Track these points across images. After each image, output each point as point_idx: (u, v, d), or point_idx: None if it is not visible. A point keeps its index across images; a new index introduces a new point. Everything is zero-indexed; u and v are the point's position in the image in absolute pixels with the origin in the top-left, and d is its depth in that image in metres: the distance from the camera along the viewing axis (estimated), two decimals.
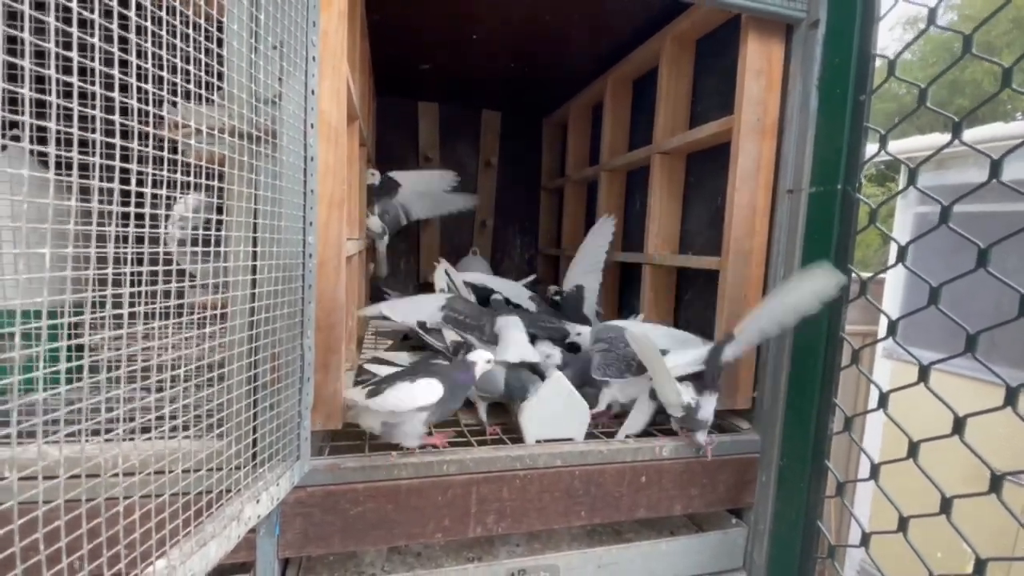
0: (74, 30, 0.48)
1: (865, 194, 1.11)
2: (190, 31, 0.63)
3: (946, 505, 0.90)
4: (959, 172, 2.66)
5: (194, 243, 0.76)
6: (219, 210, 0.79)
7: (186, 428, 0.69)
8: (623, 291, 2.25)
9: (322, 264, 1.03)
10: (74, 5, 0.49)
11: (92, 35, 0.50)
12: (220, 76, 0.73)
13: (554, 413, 1.24)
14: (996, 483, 0.83)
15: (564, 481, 1.18)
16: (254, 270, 0.83)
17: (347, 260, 1.23)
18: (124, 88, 0.54)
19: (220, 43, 0.74)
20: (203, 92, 0.67)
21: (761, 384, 1.34)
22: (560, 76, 2.34)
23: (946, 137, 0.94)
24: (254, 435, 0.86)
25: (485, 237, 2.99)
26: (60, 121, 0.48)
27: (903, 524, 0.97)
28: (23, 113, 0.44)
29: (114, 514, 0.58)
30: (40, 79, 0.46)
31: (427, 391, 1.05)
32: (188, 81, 0.63)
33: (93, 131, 0.50)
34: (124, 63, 0.54)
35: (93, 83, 0.50)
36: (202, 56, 0.66)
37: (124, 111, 0.55)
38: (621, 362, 1.31)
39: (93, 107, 0.50)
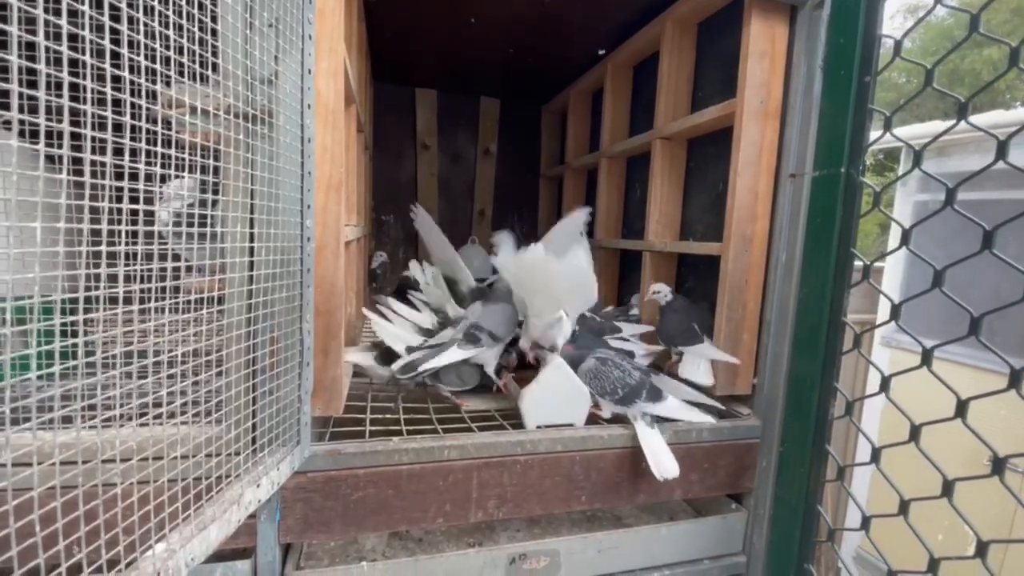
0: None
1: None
2: (183, 3, 0.61)
3: (948, 488, 0.90)
4: (960, 159, 2.65)
5: (188, 225, 0.74)
6: (215, 191, 0.77)
7: (184, 413, 0.68)
8: (623, 278, 2.24)
9: (320, 248, 1.02)
10: None
11: (83, 4, 0.49)
12: (215, 53, 0.72)
13: (555, 399, 1.24)
14: (999, 466, 0.83)
15: (564, 466, 1.18)
16: (251, 252, 0.82)
17: (346, 245, 1.21)
18: (116, 65, 0.53)
19: (215, 19, 0.72)
20: (198, 68, 0.66)
21: (761, 370, 1.34)
22: (559, 62, 2.31)
23: (946, 124, 0.93)
24: (253, 420, 0.85)
25: (484, 226, 2.97)
26: (52, 92, 0.46)
27: (904, 507, 0.97)
28: (11, 82, 0.43)
29: (111, 498, 0.57)
30: (30, 49, 0.45)
31: None
32: (183, 58, 0.62)
33: (85, 105, 0.49)
34: (117, 38, 0.52)
35: (85, 56, 0.48)
36: (196, 31, 0.64)
37: (117, 88, 0.53)
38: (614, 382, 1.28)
39: (85, 81, 0.48)
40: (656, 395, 1.26)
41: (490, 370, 1.40)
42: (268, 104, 0.83)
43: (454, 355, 1.28)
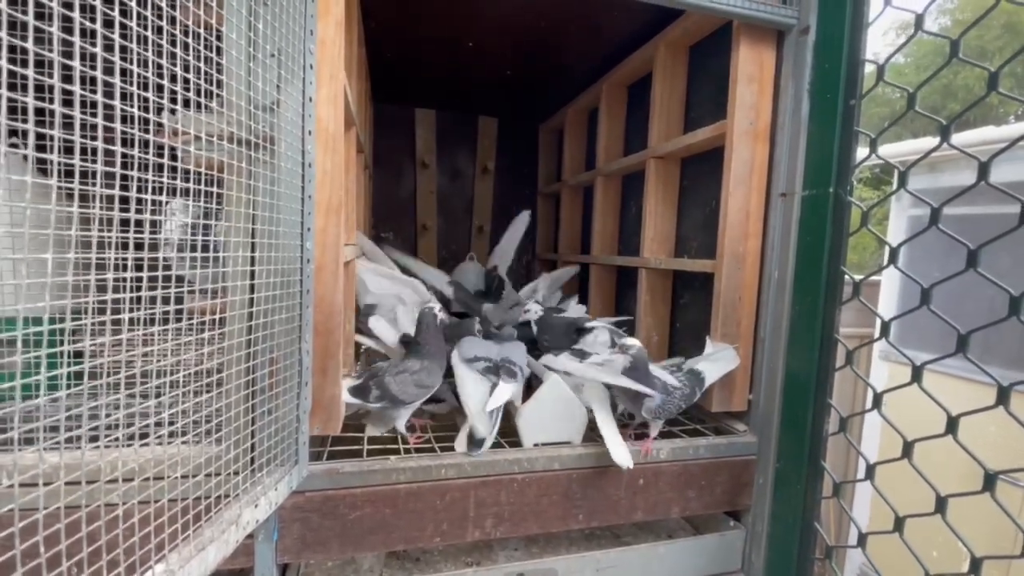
0: (76, 39, 0.49)
1: (860, 197, 1.12)
2: (189, 40, 0.64)
3: (941, 504, 0.91)
4: (952, 175, 2.68)
5: (192, 248, 0.76)
6: (216, 216, 0.79)
7: (184, 434, 0.69)
8: (620, 295, 2.26)
9: (320, 269, 1.04)
10: (76, 15, 0.50)
11: (93, 44, 0.51)
12: (219, 84, 0.74)
13: (552, 416, 1.25)
14: (990, 482, 0.84)
15: (562, 484, 1.19)
16: (252, 275, 0.84)
17: (345, 265, 1.23)
18: (124, 96, 0.55)
19: (219, 52, 0.75)
20: (202, 100, 0.68)
21: (757, 386, 1.35)
22: (556, 82, 2.36)
23: (937, 141, 0.95)
24: (252, 440, 0.86)
25: (482, 242, 3.00)
26: (60, 128, 0.49)
27: (899, 524, 0.98)
28: (24, 121, 0.45)
29: (113, 519, 0.58)
30: (40, 87, 0.47)
31: None
32: (187, 89, 0.64)
33: (93, 139, 0.51)
34: (124, 71, 0.55)
35: (93, 91, 0.51)
36: (201, 64, 0.67)
37: (124, 119, 0.56)
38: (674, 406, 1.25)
39: (93, 115, 0.51)
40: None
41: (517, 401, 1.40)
42: (270, 131, 0.85)
43: (506, 391, 1.22)
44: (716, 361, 1.33)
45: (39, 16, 0.47)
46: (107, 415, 0.58)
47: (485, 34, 1.84)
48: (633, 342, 1.22)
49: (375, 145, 2.67)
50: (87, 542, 0.54)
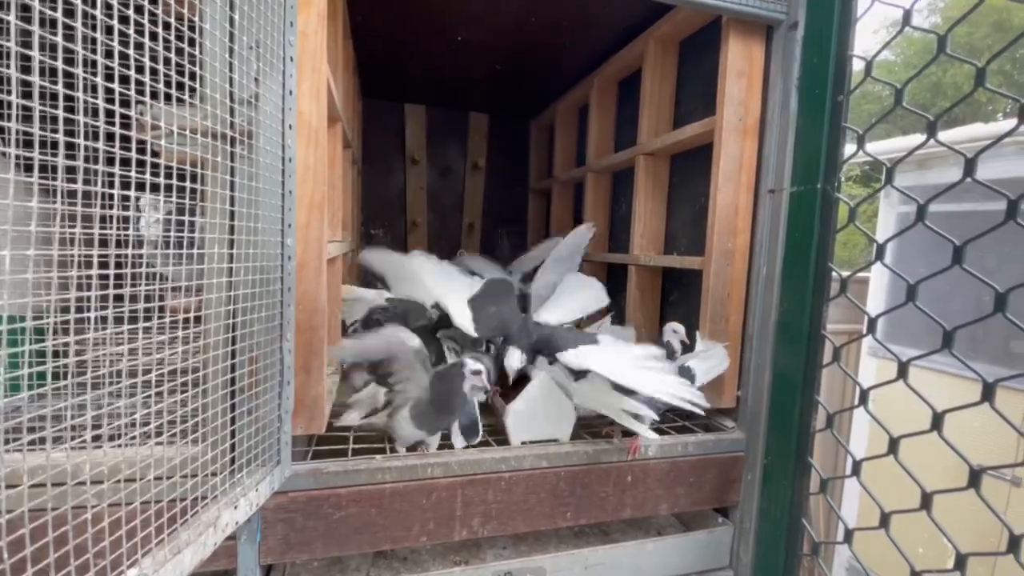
0: (35, 28, 0.47)
1: (850, 195, 1.12)
2: (159, 29, 0.62)
3: (926, 500, 0.91)
4: (940, 172, 2.70)
5: (167, 245, 0.74)
6: (192, 212, 0.77)
7: (159, 434, 0.67)
8: (609, 292, 2.25)
9: (302, 266, 1.02)
10: (35, 3, 0.48)
11: (55, 34, 0.49)
12: (194, 76, 0.72)
13: (539, 414, 1.24)
14: (975, 478, 0.84)
15: (550, 482, 1.18)
16: (231, 272, 0.82)
17: (329, 262, 1.21)
18: (90, 88, 0.53)
19: (193, 43, 0.73)
20: (175, 92, 0.66)
21: (745, 383, 1.34)
22: (546, 77, 2.35)
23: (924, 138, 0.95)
24: (232, 440, 0.84)
25: (473, 239, 2.98)
26: (20, 122, 0.47)
27: (884, 520, 0.98)
28: None
29: (82, 523, 0.57)
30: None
31: None
32: (159, 81, 0.62)
33: (57, 132, 0.49)
34: (90, 62, 0.53)
35: (57, 83, 0.49)
36: (173, 56, 0.65)
37: (91, 111, 0.54)
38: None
39: (56, 107, 0.49)
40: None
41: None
42: (248, 125, 0.84)
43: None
44: (707, 360, 1.33)
45: None
46: (74, 416, 0.56)
47: (475, 29, 1.82)
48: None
49: (364, 141, 2.64)
50: (54, 547, 0.52)
